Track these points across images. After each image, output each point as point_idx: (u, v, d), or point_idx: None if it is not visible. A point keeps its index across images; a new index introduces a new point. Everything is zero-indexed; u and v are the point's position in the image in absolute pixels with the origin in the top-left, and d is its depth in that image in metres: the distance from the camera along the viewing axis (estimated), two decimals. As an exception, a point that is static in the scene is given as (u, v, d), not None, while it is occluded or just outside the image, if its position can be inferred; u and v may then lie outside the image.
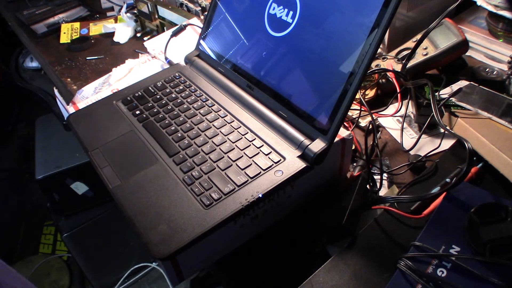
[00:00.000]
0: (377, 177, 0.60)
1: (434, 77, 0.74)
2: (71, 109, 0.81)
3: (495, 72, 0.75)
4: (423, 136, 0.68)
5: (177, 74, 0.71)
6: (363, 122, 0.71)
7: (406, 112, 0.72)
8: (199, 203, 0.48)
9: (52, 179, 1.30)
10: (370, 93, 0.76)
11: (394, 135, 0.70)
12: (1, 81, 1.79)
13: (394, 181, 0.62)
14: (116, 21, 1.16)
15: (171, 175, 0.52)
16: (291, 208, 0.56)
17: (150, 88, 0.69)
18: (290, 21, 0.57)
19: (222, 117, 0.60)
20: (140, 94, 0.68)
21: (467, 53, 0.79)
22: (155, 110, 0.64)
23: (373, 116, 0.71)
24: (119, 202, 0.50)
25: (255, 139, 0.56)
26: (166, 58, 0.87)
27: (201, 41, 0.73)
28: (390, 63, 0.76)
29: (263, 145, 0.55)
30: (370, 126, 0.69)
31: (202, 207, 0.48)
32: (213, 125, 0.59)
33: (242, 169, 0.52)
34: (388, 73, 0.74)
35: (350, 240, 0.52)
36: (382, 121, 0.73)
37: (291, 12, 0.57)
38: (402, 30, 0.86)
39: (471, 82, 0.70)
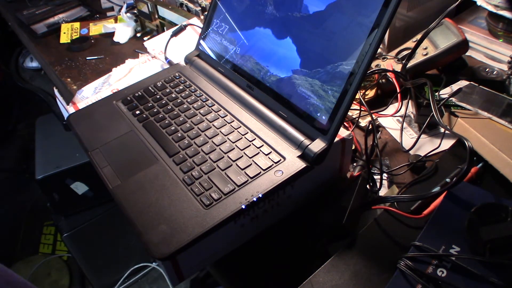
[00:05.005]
0: (377, 177, 0.60)
1: (434, 77, 0.74)
2: (71, 109, 0.81)
3: (495, 72, 0.75)
4: (423, 136, 0.68)
5: (177, 74, 0.71)
6: (363, 122, 0.71)
7: (406, 112, 0.72)
8: (199, 203, 0.48)
9: (52, 179, 1.30)
10: (370, 93, 0.76)
11: (394, 135, 0.70)
12: (1, 81, 1.79)
13: (394, 181, 0.62)
14: (116, 21, 1.16)
15: (171, 175, 0.52)
16: (291, 208, 0.56)
17: (150, 88, 0.69)
18: (290, 21, 0.58)
19: (222, 117, 0.60)
20: (140, 94, 0.68)
21: (467, 53, 0.79)
22: (155, 110, 0.64)
23: (373, 116, 0.71)
24: (119, 202, 0.50)
25: (255, 139, 0.56)
26: (166, 58, 0.87)
27: (201, 41, 0.73)
28: (390, 63, 0.76)
29: (263, 145, 0.55)
30: (370, 126, 0.69)
31: (202, 207, 0.48)
32: (213, 125, 0.59)
33: (242, 169, 0.52)
34: (388, 73, 0.74)
35: (350, 240, 0.52)
36: (382, 121, 0.72)
37: (291, 12, 0.57)
38: (402, 30, 0.86)
39: (471, 82, 0.70)
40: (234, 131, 0.58)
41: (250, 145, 0.55)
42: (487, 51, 0.83)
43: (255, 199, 0.48)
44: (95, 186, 1.37)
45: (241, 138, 0.56)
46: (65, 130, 1.37)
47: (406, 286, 0.45)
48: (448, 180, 0.57)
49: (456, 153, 0.62)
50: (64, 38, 1.11)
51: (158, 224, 0.46)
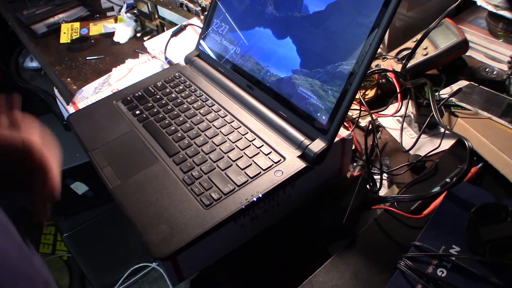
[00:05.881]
0: (377, 177, 0.60)
1: (434, 77, 0.74)
2: (71, 109, 0.81)
3: (495, 72, 0.75)
4: (423, 136, 0.68)
5: (177, 74, 0.71)
6: (363, 122, 0.71)
7: (406, 112, 0.72)
8: (199, 203, 0.48)
9: (52, 179, 1.30)
10: (370, 93, 0.76)
11: (394, 135, 0.70)
12: (1, 81, 1.79)
13: (394, 181, 0.62)
14: (116, 21, 1.16)
15: (171, 175, 0.52)
16: (291, 208, 0.56)
17: (150, 88, 0.69)
18: (290, 21, 0.58)
19: (222, 117, 0.60)
20: (140, 94, 0.68)
21: (467, 53, 0.79)
22: (155, 110, 0.64)
23: (373, 116, 0.71)
24: (119, 202, 0.50)
25: (255, 139, 0.56)
26: (166, 58, 0.87)
27: (201, 41, 0.73)
28: (390, 63, 0.76)
29: (263, 145, 0.55)
30: (370, 126, 0.69)
31: (202, 207, 0.48)
32: (213, 125, 0.59)
33: (242, 169, 0.52)
34: (388, 73, 0.74)
35: (350, 240, 0.52)
36: (382, 121, 0.72)
37: (291, 13, 0.57)
38: (402, 30, 0.86)
39: (471, 82, 0.70)
40: (234, 131, 0.58)
41: (250, 145, 0.55)
42: (487, 51, 0.83)
43: (255, 199, 0.48)
44: (95, 186, 1.37)
45: (241, 138, 0.56)
46: (65, 130, 1.37)
47: (406, 286, 0.45)
48: (448, 180, 0.57)
49: (456, 153, 0.62)
50: (64, 38, 1.11)
51: (158, 224, 0.46)
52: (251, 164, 0.52)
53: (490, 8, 0.79)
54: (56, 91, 0.97)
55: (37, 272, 0.55)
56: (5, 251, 0.49)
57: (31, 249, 0.57)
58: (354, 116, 0.72)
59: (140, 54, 0.97)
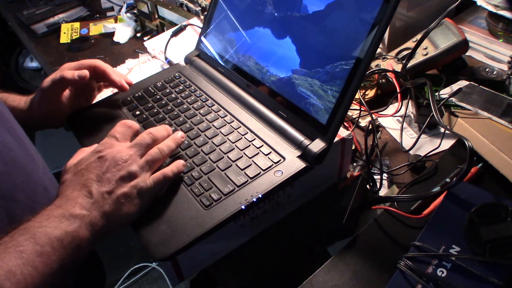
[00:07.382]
0: (377, 177, 0.60)
1: (434, 77, 0.74)
2: (71, 109, 0.81)
3: (495, 72, 0.75)
4: (423, 136, 0.68)
5: (177, 74, 0.71)
6: (363, 122, 0.71)
7: (406, 112, 0.72)
8: (199, 203, 0.48)
9: (52, 179, 1.30)
10: (370, 93, 0.76)
11: (394, 135, 0.70)
12: (1, 81, 1.79)
13: (394, 181, 0.62)
14: (116, 21, 1.16)
15: (171, 175, 0.52)
16: (291, 208, 0.56)
17: (150, 88, 0.69)
18: (290, 21, 0.58)
19: (222, 117, 0.60)
20: (140, 94, 0.68)
21: (467, 53, 0.79)
22: (155, 110, 0.64)
23: (373, 116, 0.71)
24: (119, 202, 0.50)
25: (254, 139, 0.56)
26: (166, 58, 0.87)
27: (201, 41, 0.73)
28: (390, 63, 0.76)
29: (262, 145, 0.55)
30: (370, 126, 0.69)
31: (202, 207, 0.48)
32: (213, 125, 0.59)
33: (242, 170, 0.52)
34: (388, 73, 0.74)
35: (350, 240, 0.52)
36: (382, 121, 0.72)
37: (291, 12, 0.57)
38: (402, 30, 0.86)
39: (471, 82, 0.70)
40: (234, 131, 0.57)
41: (250, 145, 0.55)
42: (487, 51, 0.83)
43: (254, 199, 0.48)
44: (95, 186, 1.37)
45: (241, 138, 0.56)
46: (65, 130, 1.37)
47: (406, 286, 0.45)
48: (448, 180, 0.57)
49: (456, 153, 0.62)
50: (64, 38, 1.11)
51: (158, 225, 0.46)
52: (250, 164, 0.52)
53: (490, 8, 0.79)
54: (56, 91, 0.97)
55: (38, 174, 0.54)
56: (6, 142, 0.48)
57: (39, 157, 0.57)
58: (354, 116, 0.72)
59: (140, 54, 0.97)
